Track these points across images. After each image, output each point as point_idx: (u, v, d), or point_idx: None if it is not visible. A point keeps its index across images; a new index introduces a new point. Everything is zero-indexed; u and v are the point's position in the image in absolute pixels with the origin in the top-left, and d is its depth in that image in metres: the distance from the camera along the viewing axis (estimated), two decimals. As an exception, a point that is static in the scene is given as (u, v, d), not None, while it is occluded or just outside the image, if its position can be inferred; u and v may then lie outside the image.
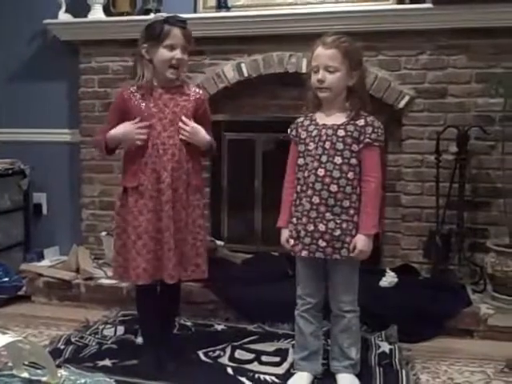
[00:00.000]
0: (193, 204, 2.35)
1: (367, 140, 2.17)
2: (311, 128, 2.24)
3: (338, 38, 2.18)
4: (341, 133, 2.18)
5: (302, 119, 2.31)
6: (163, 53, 2.26)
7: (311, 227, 2.18)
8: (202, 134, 2.35)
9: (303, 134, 2.25)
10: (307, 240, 2.19)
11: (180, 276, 2.34)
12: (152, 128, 2.29)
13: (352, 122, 2.19)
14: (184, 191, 2.32)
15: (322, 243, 2.17)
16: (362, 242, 2.16)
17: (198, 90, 2.41)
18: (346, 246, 2.17)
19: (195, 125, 2.33)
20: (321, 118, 2.25)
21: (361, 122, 2.18)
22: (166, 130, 2.29)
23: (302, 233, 2.20)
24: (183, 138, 2.30)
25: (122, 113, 2.34)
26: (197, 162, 2.39)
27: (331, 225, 2.16)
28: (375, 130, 2.18)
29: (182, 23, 2.28)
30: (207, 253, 2.43)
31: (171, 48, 2.26)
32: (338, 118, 2.21)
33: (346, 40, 2.18)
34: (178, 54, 2.26)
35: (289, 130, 2.34)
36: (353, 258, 2.17)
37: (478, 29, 3.07)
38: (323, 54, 2.16)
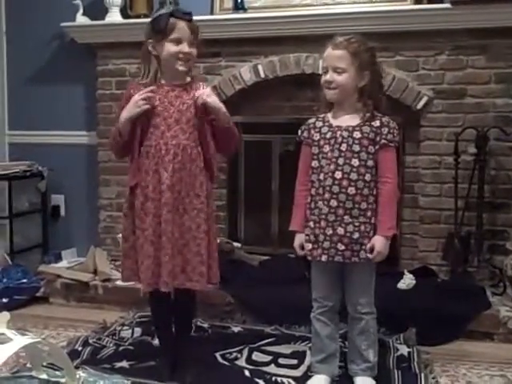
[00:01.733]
0: (196, 208, 2.24)
1: (383, 141, 2.16)
2: (325, 130, 2.22)
3: (348, 38, 2.16)
4: (357, 135, 2.16)
5: (313, 120, 2.28)
6: (169, 47, 2.18)
7: (330, 231, 2.16)
8: (217, 99, 2.24)
9: (316, 136, 2.23)
10: (326, 244, 2.17)
11: (182, 285, 2.25)
12: (155, 127, 2.23)
13: (367, 123, 2.17)
14: (186, 194, 2.23)
15: (340, 247, 2.15)
16: (379, 244, 2.14)
17: (204, 86, 2.31)
18: (364, 248, 2.15)
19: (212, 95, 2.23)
20: (334, 119, 2.23)
21: (376, 123, 2.17)
22: (170, 129, 2.22)
23: (321, 237, 2.17)
24: (201, 101, 2.19)
25: None
26: (203, 164, 2.27)
27: (350, 228, 2.14)
28: (391, 131, 2.17)
29: (187, 16, 2.21)
30: (223, 256, 2.37)
31: (177, 42, 2.18)
32: (352, 120, 2.19)
33: (356, 41, 2.16)
34: (185, 47, 2.18)
35: (299, 132, 2.31)
36: (370, 260, 2.16)
37: (497, 29, 3.04)
38: (332, 54, 2.16)
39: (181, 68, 2.22)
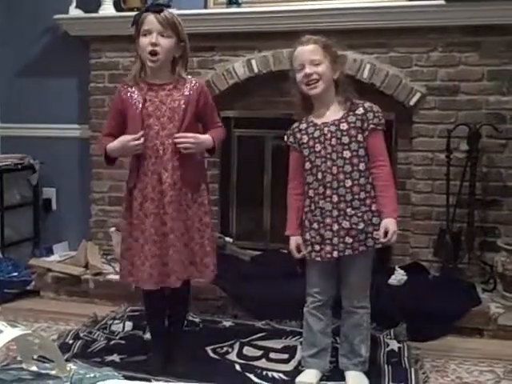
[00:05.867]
0: (197, 201, 2.29)
1: (371, 126, 2.18)
2: (311, 130, 2.23)
3: (312, 36, 2.22)
4: (344, 126, 2.18)
5: (297, 124, 2.30)
6: (141, 40, 2.22)
7: (336, 226, 2.17)
8: (203, 139, 2.30)
9: (304, 138, 2.24)
10: (335, 240, 2.17)
11: (191, 275, 2.30)
12: (150, 128, 2.24)
13: (351, 112, 2.19)
14: (189, 189, 2.27)
15: (348, 240, 2.16)
16: (392, 225, 2.15)
17: (193, 81, 2.32)
18: (369, 235, 2.17)
19: (192, 135, 2.25)
20: (317, 118, 2.25)
21: (360, 111, 2.19)
22: (164, 128, 2.23)
23: (329, 234, 2.18)
24: (190, 151, 2.24)
25: (119, 113, 2.30)
26: (199, 159, 2.36)
27: (354, 220, 2.16)
28: (376, 115, 2.20)
29: (155, 8, 2.22)
30: (215, 250, 2.40)
31: (147, 33, 2.20)
32: (336, 113, 2.21)
33: (320, 37, 2.22)
34: (152, 38, 2.18)
35: (285, 138, 2.33)
36: (371, 250, 2.20)
37: (490, 26, 3.05)
38: (304, 50, 2.19)
39: (149, 64, 2.23)
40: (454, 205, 3.10)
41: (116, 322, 2.88)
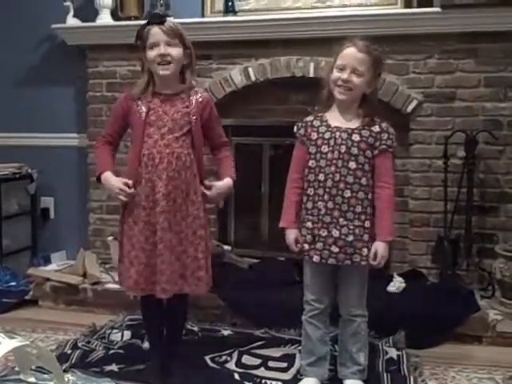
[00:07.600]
0: (192, 214, 2.25)
1: (383, 146, 2.18)
2: (323, 129, 2.22)
3: (369, 44, 2.18)
4: (356, 138, 2.17)
5: (311, 118, 2.27)
6: (149, 53, 2.22)
7: (325, 232, 2.16)
8: (225, 185, 2.39)
9: (314, 135, 2.23)
10: (319, 245, 2.17)
11: (181, 290, 2.26)
12: (149, 137, 2.23)
13: (367, 127, 2.19)
14: (183, 201, 2.24)
15: (334, 249, 2.16)
16: (382, 249, 2.15)
17: (200, 94, 2.33)
18: (357, 251, 2.16)
19: (215, 190, 2.35)
20: (332, 119, 2.23)
21: (376, 128, 2.19)
22: (163, 138, 2.22)
23: (316, 238, 2.18)
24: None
25: (122, 118, 2.32)
26: (196, 171, 2.30)
27: (344, 230, 2.15)
28: (390, 137, 2.19)
29: (157, 19, 2.24)
30: (213, 259, 2.37)
31: (154, 47, 2.21)
32: (352, 123, 2.20)
33: (376, 49, 2.19)
34: (160, 49, 2.19)
35: (295, 128, 2.30)
36: (365, 264, 2.17)
37: (487, 33, 3.06)
38: (354, 55, 2.15)
39: (161, 72, 2.23)
40: (452, 211, 3.10)
41: (114, 331, 2.87)
